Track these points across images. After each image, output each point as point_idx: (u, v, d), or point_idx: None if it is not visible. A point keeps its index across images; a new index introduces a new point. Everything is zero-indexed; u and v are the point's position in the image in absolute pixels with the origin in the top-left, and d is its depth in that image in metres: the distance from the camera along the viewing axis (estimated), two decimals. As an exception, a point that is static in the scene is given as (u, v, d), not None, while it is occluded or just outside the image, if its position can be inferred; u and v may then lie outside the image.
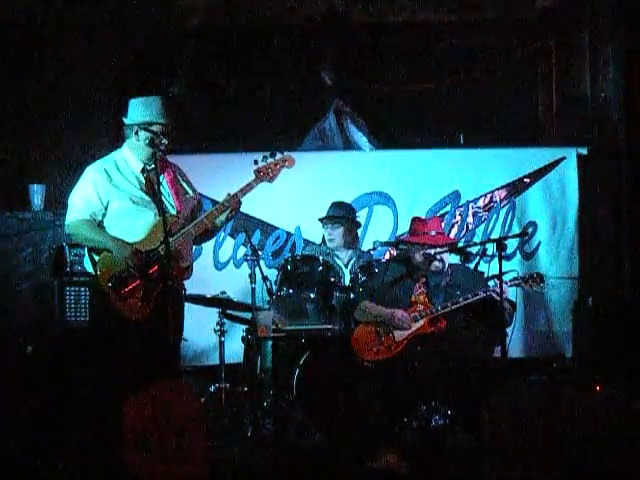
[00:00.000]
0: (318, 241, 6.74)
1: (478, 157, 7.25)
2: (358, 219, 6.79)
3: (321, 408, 5.60)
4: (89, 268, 4.73)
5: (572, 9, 7.48)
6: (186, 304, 5.33)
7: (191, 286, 5.33)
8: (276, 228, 7.04)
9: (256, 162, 4.90)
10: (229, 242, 7.01)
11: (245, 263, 6.34)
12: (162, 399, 4.23)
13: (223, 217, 4.84)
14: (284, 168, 4.91)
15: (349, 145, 7.47)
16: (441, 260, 5.60)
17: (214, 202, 6.84)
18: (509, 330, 5.44)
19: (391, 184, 7.14)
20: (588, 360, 6.87)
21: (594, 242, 7.30)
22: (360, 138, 7.44)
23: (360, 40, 7.56)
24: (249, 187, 4.83)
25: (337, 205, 6.51)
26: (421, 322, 5.46)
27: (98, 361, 4.67)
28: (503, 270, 5.13)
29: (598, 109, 7.39)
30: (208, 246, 6.91)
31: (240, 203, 4.85)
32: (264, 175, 4.85)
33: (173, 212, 4.75)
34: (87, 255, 4.73)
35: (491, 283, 5.58)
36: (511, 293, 5.53)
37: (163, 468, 4.17)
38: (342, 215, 6.45)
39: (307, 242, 6.97)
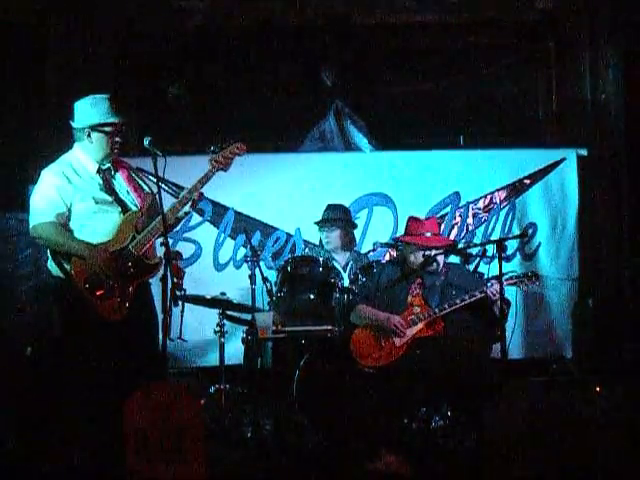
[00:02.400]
0: (318, 242, 6.74)
1: (478, 158, 7.24)
2: (357, 220, 6.80)
3: (321, 409, 5.60)
4: (54, 271, 4.65)
5: (572, 10, 7.48)
6: (186, 305, 5.32)
7: (191, 287, 5.33)
8: (276, 229, 7.04)
9: (210, 152, 4.85)
10: (229, 243, 7.00)
11: (245, 264, 6.33)
12: (162, 400, 4.23)
13: (187, 208, 4.80)
14: (237, 156, 4.85)
15: (349, 146, 7.48)
16: (436, 261, 5.59)
17: (214, 203, 6.87)
18: (509, 330, 5.44)
19: (391, 185, 7.13)
20: (588, 360, 6.88)
21: (594, 242, 7.30)
22: (360, 139, 7.45)
23: (360, 40, 7.56)
24: (206, 177, 4.76)
25: (333, 207, 6.51)
26: (419, 325, 5.44)
27: (86, 363, 4.62)
28: (503, 271, 5.13)
29: (598, 109, 7.39)
30: (208, 247, 6.92)
31: (202, 194, 4.81)
32: (218, 164, 4.80)
33: (135, 209, 4.74)
34: (51, 258, 4.66)
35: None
36: (510, 292, 5.51)
37: (163, 468, 4.17)
38: (338, 217, 6.45)
39: (307, 243, 6.97)
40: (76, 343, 4.65)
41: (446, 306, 5.40)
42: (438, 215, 7.04)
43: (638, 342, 6.60)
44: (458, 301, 5.38)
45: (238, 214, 6.96)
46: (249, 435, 5.49)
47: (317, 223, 6.51)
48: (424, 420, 5.21)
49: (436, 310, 5.42)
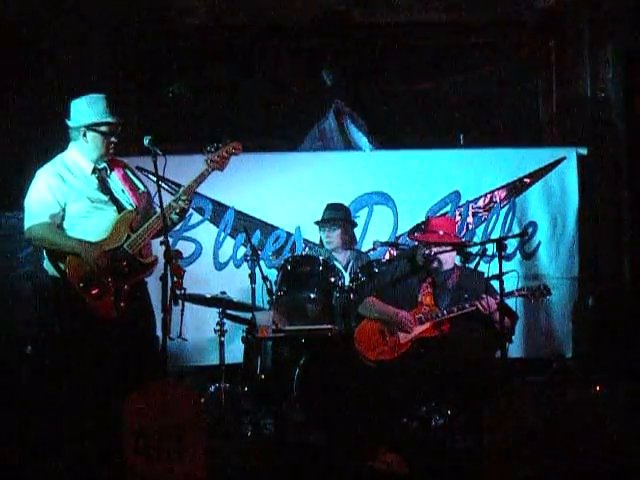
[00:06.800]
0: (318, 241, 6.74)
1: (478, 157, 7.24)
2: (357, 219, 6.80)
3: (321, 408, 5.60)
4: (50, 271, 4.66)
5: (572, 9, 7.48)
6: (186, 304, 5.32)
7: (191, 286, 5.33)
8: (276, 228, 7.04)
9: (205, 152, 4.83)
10: (229, 242, 7.00)
11: (245, 263, 6.34)
12: (162, 399, 4.23)
13: (176, 214, 4.76)
14: (232, 155, 4.83)
15: (349, 145, 7.48)
16: (437, 260, 5.58)
17: (214, 202, 6.87)
18: (513, 336, 5.44)
19: (391, 184, 7.13)
20: (588, 360, 6.88)
21: (594, 242, 7.29)
22: (360, 138, 7.45)
23: (360, 40, 7.56)
24: (202, 177, 4.74)
25: (333, 207, 6.51)
26: (426, 325, 5.45)
27: (83, 362, 4.62)
28: (503, 270, 5.13)
29: (598, 109, 7.39)
30: (208, 246, 6.92)
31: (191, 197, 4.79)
32: (214, 164, 4.78)
33: (131, 208, 4.73)
34: (47, 258, 4.66)
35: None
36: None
37: (163, 468, 4.17)
38: (339, 217, 6.46)
39: (307, 242, 6.97)
40: (73, 342, 4.65)
41: (455, 309, 5.40)
42: (438, 214, 7.03)
43: (638, 342, 6.60)
44: (467, 306, 5.37)
45: (238, 213, 6.96)
46: (249, 434, 5.50)
47: (317, 223, 6.52)
48: (424, 419, 5.21)
49: (444, 312, 5.42)
